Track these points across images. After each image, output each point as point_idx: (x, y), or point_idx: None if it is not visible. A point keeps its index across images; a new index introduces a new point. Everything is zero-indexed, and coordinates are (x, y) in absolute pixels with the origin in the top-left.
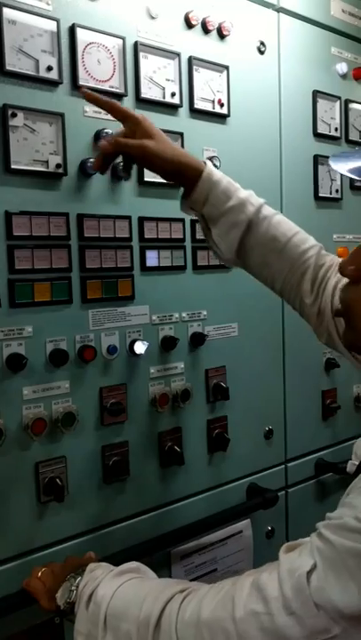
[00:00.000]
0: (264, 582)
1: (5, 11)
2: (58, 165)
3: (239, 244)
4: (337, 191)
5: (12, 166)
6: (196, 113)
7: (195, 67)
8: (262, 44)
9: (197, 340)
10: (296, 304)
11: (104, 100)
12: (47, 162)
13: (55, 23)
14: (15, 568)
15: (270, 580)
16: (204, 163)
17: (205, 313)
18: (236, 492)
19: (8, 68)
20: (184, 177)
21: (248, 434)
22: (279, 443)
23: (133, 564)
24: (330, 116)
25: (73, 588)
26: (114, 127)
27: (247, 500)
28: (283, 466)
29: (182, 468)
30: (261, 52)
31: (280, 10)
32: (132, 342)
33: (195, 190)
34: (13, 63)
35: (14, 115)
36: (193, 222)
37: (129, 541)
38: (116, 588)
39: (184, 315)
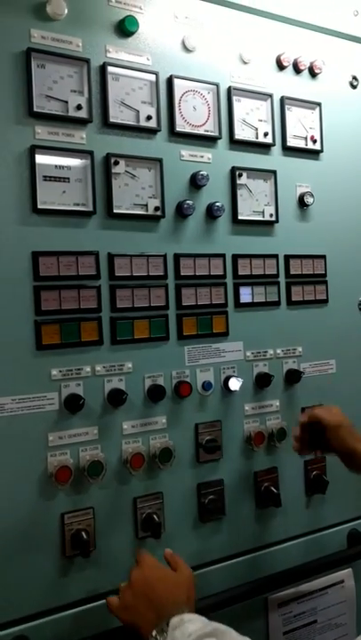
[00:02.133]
0: None
1: (110, 69)
2: (156, 208)
3: None
4: None
5: (115, 210)
6: (289, 150)
7: (287, 106)
8: (355, 78)
9: (293, 377)
10: None
11: None
12: (146, 205)
13: (154, 76)
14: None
15: None
16: None
17: (301, 349)
18: (336, 539)
19: (112, 120)
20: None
21: (349, 476)
22: None
23: (211, 627)
24: None
25: None
26: (208, 169)
27: (348, 548)
28: None
29: (279, 510)
30: (354, 87)
31: None
32: (227, 378)
33: None
34: (116, 115)
35: (117, 162)
36: (287, 258)
37: (224, 584)
38: None
39: (279, 351)
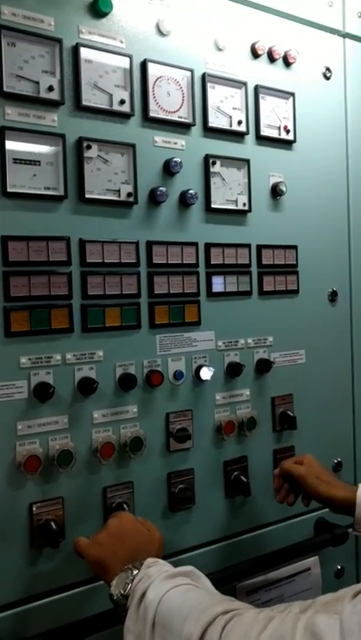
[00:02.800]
0: (322, 630)
1: (83, 50)
2: (129, 194)
3: None
4: None
5: (87, 196)
6: (263, 140)
7: (261, 95)
8: (328, 69)
9: (263, 366)
10: None
11: None
12: (119, 191)
13: (128, 59)
14: (74, 596)
15: (329, 627)
16: (357, 486)
17: (272, 339)
18: (303, 527)
19: (84, 103)
20: (340, 507)
21: None
22: (348, 475)
23: (188, 568)
24: None
25: (128, 581)
26: (182, 156)
27: (315, 536)
28: None
29: (248, 499)
30: (327, 78)
31: (346, 35)
32: (198, 368)
33: (356, 516)
34: (89, 98)
35: (89, 147)
36: (259, 248)
37: None
38: (164, 594)
39: (250, 341)
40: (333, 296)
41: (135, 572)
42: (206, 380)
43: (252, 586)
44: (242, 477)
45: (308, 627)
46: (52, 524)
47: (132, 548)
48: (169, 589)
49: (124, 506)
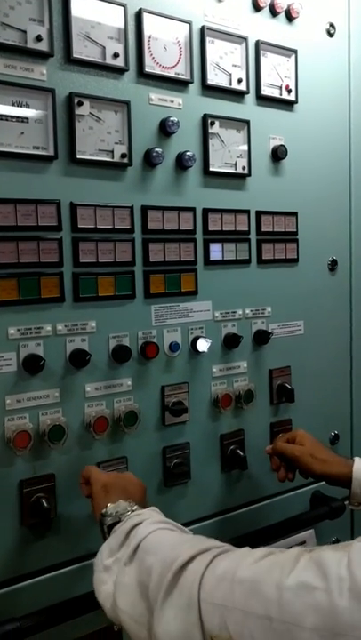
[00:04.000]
0: (327, 559)
1: None
2: (123, 155)
3: None
4: None
5: (78, 156)
6: (263, 100)
7: (262, 51)
8: (332, 26)
9: (261, 337)
10: None
11: None
12: (112, 151)
13: (122, 9)
14: (75, 571)
15: (335, 558)
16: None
17: (270, 310)
18: (299, 501)
19: (75, 55)
20: (336, 482)
21: None
22: (345, 448)
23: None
24: None
25: (129, 508)
26: (179, 115)
27: (311, 509)
28: None
29: (244, 473)
30: (331, 35)
31: None
32: (195, 339)
33: (352, 490)
34: (80, 50)
35: (80, 103)
36: (258, 214)
37: None
38: (156, 529)
39: (248, 311)
40: (333, 265)
41: (135, 506)
42: (203, 352)
43: None
44: (238, 451)
45: (313, 557)
46: (44, 501)
47: (134, 492)
48: (162, 528)
49: None
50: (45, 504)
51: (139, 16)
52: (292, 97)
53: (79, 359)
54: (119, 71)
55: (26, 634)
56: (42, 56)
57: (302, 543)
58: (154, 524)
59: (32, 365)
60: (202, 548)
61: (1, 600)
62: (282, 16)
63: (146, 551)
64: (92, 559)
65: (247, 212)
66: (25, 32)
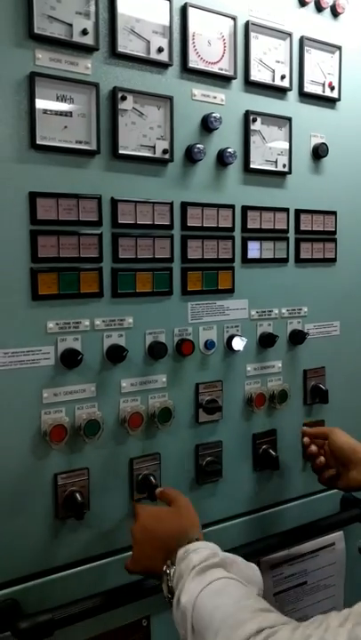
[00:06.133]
0: None
1: None
2: (165, 151)
3: None
4: None
5: (120, 151)
6: (306, 97)
7: (306, 47)
8: None
9: (297, 338)
10: None
11: None
12: (154, 147)
13: (168, 3)
14: (98, 568)
15: None
16: None
17: (306, 309)
18: (329, 502)
19: (120, 50)
20: None
21: None
22: None
23: (218, 558)
24: None
25: (170, 584)
26: (221, 111)
27: (341, 511)
28: None
29: (276, 473)
30: None
31: None
32: (230, 338)
33: None
34: (125, 45)
35: (124, 98)
36: (298, 212)
37: (219, 546)
38: (196, 598)
39: (284, 311)
40: None
41: (171, 570)
42: (238, 351)
43: (276, 560)
44: (271, 451)
45: (352, 637)
46: (77, 495)
47: (163, 542)
48: (200, 592)
49: (152, 478)
50: (79, 498)
51: (184, 10)
52: (334, 94)
53: (116, 354)
54: (163, 66)
55: (58, 625)
56: (87, 50)
57: (331, 545)
58: (189, 587)
59: (70, 360)
60: (243, 635)
61: (34, 591)
62: (327, 11)
63: (199, 634)
64: (124, 553)
65: (286, 210)
66: (71, 25)
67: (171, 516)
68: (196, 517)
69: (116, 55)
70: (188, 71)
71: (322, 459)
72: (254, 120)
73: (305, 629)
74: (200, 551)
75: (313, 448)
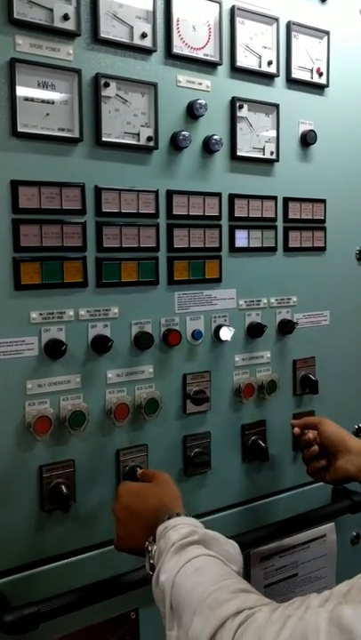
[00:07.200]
0: (349, 621)
1: None
2: (149, 138)
3: None
4: None
5: (103, 139)
6: (293, 83)
7: (293, 32)
8: None
9: (286, 327)
10: None
11: None
12: (138, 134)
13: None
14: (97, 556)
15: (358, 618)
16: None
17: (295, 299)
18: (320, 493)
19: (102, 35)
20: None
21: None
22: None
23: (197, 535)
24: None
25: (151, 561)
26: (206, 97)
27: (333, 503)
28: None
29: (265, 464)
30: None
31: None
32: (218, 328)
33: None
34: (107, 30)
35: (107, 84)
36: (286, 200)
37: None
38: (175, 576)
39: (272, 300)
40: None
41: (153, 547)
42: (226, 341)
43: (266, 552)
44: (260, 442)
45: (334, 620)
46: (63, 487)
47: (143, 518)
48: (179, 570)
49: (138, 469)
50: (65, 490)
51: None
52: (323, 80)
53: (101, 345)
54: (147, 52)
55: (43, 618)
56: (68, 35)
57: (322, 536)
58: (168, 564)
59: (54, 350)
60: (218, 622)
61: (19, 584)
62: None
63: (177, 613)
64: (111, 546)
65: (274, 198)
66: (52, 10)
67: (150, 492)
68: (176, 491)
69: (98, 41)
70: (172, 57)
71: (315, 447)
72: (241, 107)
73: (284, 610)
74: (179, 528)
75: (310, 435)
